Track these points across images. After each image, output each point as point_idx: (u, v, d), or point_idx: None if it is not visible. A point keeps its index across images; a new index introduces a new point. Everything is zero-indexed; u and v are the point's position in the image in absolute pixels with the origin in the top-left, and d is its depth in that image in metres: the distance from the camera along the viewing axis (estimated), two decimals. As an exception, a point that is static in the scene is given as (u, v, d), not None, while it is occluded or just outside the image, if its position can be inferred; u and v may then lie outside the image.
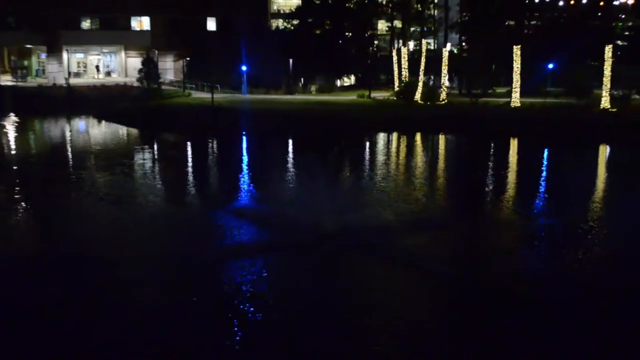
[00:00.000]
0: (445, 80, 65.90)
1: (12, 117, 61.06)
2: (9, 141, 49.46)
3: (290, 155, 42.84)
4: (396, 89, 68.40)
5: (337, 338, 15.00)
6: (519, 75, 58.74)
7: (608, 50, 56.03)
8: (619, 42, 77.33)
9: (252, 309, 16.50)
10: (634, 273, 19.31)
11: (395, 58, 71.05)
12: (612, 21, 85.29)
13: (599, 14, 77.82)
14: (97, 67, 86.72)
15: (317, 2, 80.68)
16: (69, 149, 46.84)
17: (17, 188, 31.52)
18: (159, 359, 14.16)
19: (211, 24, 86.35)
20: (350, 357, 14.40)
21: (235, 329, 15.33)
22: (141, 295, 17.47)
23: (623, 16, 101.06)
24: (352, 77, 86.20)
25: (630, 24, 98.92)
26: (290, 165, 38.24)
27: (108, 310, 16.40)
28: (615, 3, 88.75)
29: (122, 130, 54.99)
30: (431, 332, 15.49)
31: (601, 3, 75.35)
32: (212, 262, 20.00)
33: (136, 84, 70.69)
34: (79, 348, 14.44)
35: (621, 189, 32.00)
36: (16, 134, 53.03)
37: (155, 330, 15.37)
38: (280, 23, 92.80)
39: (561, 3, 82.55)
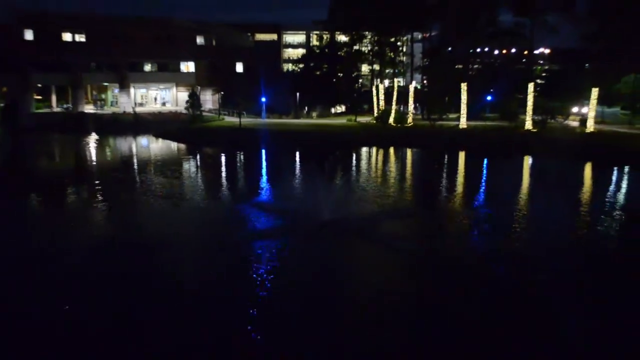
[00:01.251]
0: (411, 109, 66.37)
1: (94, 136, 61.70)
2: (92, 153, 50.18)
3: (298, 162, 43.21)
4: (375, 115, 68.72)
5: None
6: (465, 105, 59.16)
7: (530, 87, 56.56)
8: (539, 81, 77.85)
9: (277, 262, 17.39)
10: (539, 243, 20.19)
11: (374, 92, 71.50)
12: (534, 65, 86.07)
13: (524, 60, 78.40)
14: (156, 98, 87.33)
15: (317, 51, 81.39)
16: (136, 157, 47.37)
17: (105, 184, 32.30)
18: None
19: (239, 67, 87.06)
20: (340, 284, 16.45)
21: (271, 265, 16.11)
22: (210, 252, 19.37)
23: (542, 62, 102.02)
24: (343, 106, 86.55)
25: (546, 67, 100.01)
26: (298, 170, 38.61)
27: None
28: (536, 52, 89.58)
29: (174, 145, 55.40)
30: (390, 279, 16.82)
31: (525, 52, 75.93)
32: (245, 239, 20.63)
33: (184, 111, 71.21)
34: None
35: (538, 186, 32.91)
36: (97, 148, 53.68)
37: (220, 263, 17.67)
38: (289, 66, 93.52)
39: (496, 52, 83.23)
